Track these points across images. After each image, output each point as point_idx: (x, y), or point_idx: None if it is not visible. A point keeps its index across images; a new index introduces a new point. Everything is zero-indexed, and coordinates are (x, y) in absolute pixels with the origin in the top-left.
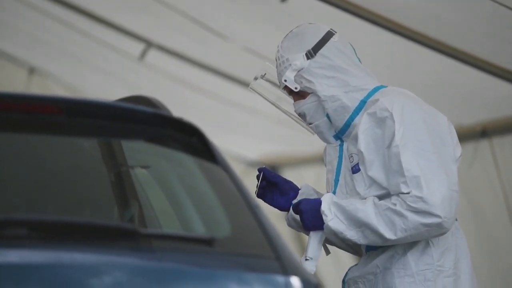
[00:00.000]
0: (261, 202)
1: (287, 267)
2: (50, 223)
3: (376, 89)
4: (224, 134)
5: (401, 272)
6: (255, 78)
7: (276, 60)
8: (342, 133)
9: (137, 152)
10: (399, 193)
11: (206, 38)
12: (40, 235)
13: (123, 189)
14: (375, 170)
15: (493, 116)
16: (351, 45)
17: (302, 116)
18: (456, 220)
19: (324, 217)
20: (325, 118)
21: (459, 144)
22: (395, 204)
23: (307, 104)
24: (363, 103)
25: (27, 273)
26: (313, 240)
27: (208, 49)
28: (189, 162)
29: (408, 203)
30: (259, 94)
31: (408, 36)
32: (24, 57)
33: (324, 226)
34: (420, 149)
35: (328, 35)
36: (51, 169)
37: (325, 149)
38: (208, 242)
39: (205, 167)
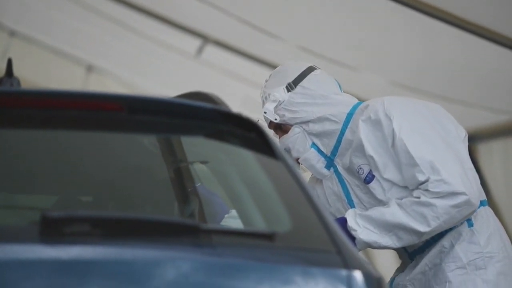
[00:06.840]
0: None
1: (348, 261)
2: (112, 219)
3: (360, 103)
4: None
5: (452, 266)
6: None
7: (261, 99)
8: (335, 152)
9: (197, 148)
10: (418, 185)
11: (261, 39)
12: (102, 232)
13: (183, 185)
14: (391, 172)
15: None
16: (336, 80)
17: (287, 152)
18: (489, 205)
19: (353, 232)
20: (311, 149)
21: (460, 125)
22: (418, 197)
23: (290, 137)
24: (350, 115)
25: (89, 269)
26: None
27: (263, 48)
28: (248, 157)
29: (431, 189)
30: None
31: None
32: (82, 56)
33: (356, 241)
34: (423, 135)
35: (309, 70)
36: (112, 166)
37: (314, 187)
38: (269, 237)
39: (264, 162)
